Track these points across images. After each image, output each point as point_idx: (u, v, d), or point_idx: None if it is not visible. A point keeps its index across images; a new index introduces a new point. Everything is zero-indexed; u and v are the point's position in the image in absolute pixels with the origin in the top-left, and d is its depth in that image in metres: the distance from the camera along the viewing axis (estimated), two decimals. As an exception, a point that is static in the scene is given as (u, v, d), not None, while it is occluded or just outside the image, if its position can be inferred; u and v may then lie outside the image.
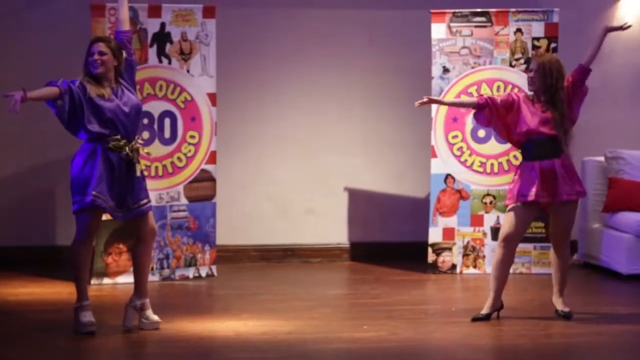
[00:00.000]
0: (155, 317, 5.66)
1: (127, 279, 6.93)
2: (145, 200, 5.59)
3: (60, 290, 6.72)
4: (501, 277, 5.92)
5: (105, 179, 5.45)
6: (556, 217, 5.97)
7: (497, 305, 5.97)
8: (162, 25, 7.16)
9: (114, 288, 6.86)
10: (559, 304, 6.04)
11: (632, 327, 5.89)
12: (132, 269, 5.76)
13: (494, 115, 5.93)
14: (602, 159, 7.87)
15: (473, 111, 6.14)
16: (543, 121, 5.87)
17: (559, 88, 5.90)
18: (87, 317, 5.55)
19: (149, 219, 5.63)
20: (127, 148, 5.49)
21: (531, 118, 5.87)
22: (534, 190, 5.82)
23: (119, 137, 5.48)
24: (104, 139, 5.46)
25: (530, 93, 6.00)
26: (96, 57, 5.48)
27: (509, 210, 5.93)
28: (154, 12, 7.15)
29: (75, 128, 5.49)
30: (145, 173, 6.82)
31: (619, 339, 5.65)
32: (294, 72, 8.03)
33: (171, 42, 7.19)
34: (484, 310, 5.93)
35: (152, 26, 7.12)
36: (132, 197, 5.54)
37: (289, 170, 8.04)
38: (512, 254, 5.98)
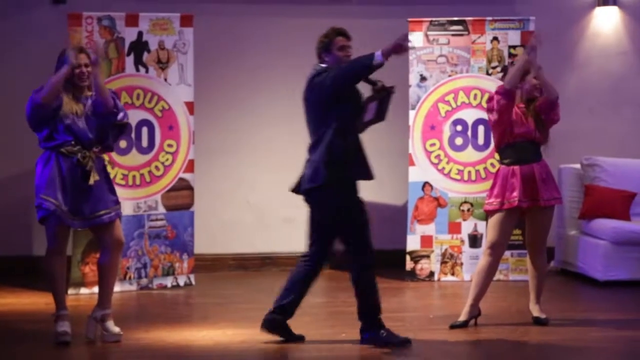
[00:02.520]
0: (117, 329, 5.59)
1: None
2: (104, 212, 5.50)
3: (37, 301, 6.68)
4: (483, 285, 5.94)
5: (56, 183, 5.41)
6: (533, 223, 6.00)
7: (475, 312, 5.99)
8: (140, 34, 7.15)
9: (91, 298, 6.79)
10: (535, 311, 6.06)
11: (608, 333, 5.93)
12: (100, 279, 5.70)
13: (511, 107, 5.92)
14: (578, 166, 7.92)
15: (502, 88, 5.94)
16: (526, 126, 5.91)
17: (537, 95, 5.95)
18: (63, 327, 5.52)
19: (113, 229, 5.55)
20: (79, 154, 5.45)
21: (515, 121, 5.91)
22: (516, 196, 5.85)
23: (73, 142, 5.46)
24: (60, 144, 5.44)
25: None
26: (84, 69, 5.46)
27: (493, 218, 5.95)
28: (132, 20, 7.14)
29: (40, 128, 5.48)
30: (122, 182, 6.85)
31: (595, 345, 5.68)
32: (272, 81, 8.03)
33: (149, 51, 7.18)
34: (462, 317, 5.95)
35: (129, 35, 7.11)
36: (89, 207, 5.48)
37: (267, 178, 8.03)
38: (498, 261, 6.01)
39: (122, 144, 7.00)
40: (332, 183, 5.48)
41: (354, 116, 5.51)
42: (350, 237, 5.56)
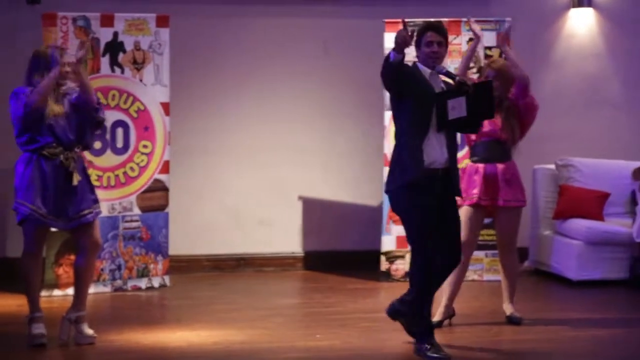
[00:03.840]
0: (90, 332, 5.58)
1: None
2: (87, 211, 5.52)
3: (10, 303, 6.63)
4: (455, 284, 5.96)
5: (38, 187, 5.41)
6: (498, 223, 6.06)
7: (449, 312, 6.01)
8: (115, 34, 7.13)
9: (64, 300, 6.77)
10: (508, 310, 6.10)
11: (581, 333, 5.96)
12: (75, 280, 5.69)
13: None
14: (552, 166, 7.97)
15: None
16: (493, 124, 5.93)
17: (510, 94, 5.98)
18: (38, 329, 5.50)
19: (93, 230, 5.55)
20: (61, 156, 5.45)
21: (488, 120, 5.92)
22: (476, 193, 5.91)
23: (54, 144, 5.45)
24: (41, 146, 5.44)
25: None
26: (67, 70, 5.48)
27: (461, 217, 5.98)
28: (107, 21, 7.11)
29: (28, 131, 5.47)
30: (97, 183, 6.83)
31: (569, 345, 5.71)
32: (248, 82, 8.03)
33: (124, 52, 7.16)
34: (436, 318, 5.96)
35: (104, 35, 7.08)
36: (73, 207, 5.48)
37: (242, 179, 8.03)
38: (468, 260, 6.03)
39: (97, 144, 6.97)
40: (390, 189, 5.32)
41: (419, 117, 5.16)
42: (410, 240, 5.34)
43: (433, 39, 5.24)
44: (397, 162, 5.22)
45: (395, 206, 5.35)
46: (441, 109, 5.13)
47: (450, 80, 5.25)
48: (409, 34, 5.00)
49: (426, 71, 5.25)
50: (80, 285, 5.60)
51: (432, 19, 7.56)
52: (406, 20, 6.93)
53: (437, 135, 5.17)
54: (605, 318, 6.40)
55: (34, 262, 5.52)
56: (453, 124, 5.18)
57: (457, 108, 5.12)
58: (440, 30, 5.27)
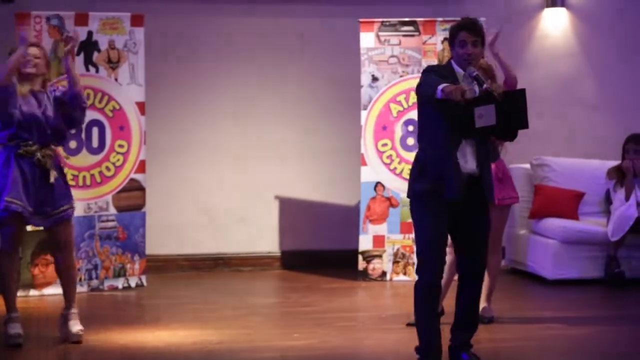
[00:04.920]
0: (75, 329, 5.55)
1: (55, 290, 6.84)
2: (65, 207, 5.52)
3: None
4: (445, 284, 5.92)
5: (20, 184, 5.40)
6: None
7: (438, 312, 5.99)
8: (90, 33, 7.10)
9: (40, 300, 6.74)
10: (480, 309, 6.10)
11: (557, 331, 5.99)
12: (59, 280, 5.69)
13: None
14: (528, 166, 8.01)
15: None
16: None
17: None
18: (14, 329, 5.47)
19: (70, 226, 5.56)
20: (38, 153, 5.44)
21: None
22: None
23: (30, 142, 5.44)
24: (17, 143, 5.43)
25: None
26: (30, 57, 5.52)
27: None
28: (81, 20, 7.07)
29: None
30: (73, 183, 6.79)
31: (545, 343, 5.74)
32: (224, 81, 8.01)
33: (99, 51, 7.13)
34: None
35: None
36: (51, 204, 5.48)
37: (219, 179, 8.01)
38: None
39: (72, 144, 6.94)
40: (408, 196, 5.01)
41: (443, 123, 4.83)
42: (416, 252, 5.02)
43: (466, 38, 4.86)
44: (418, 168, 4.91)
45: (411, 214, 5.01)
46: (468, 115, 4.77)
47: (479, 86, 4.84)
48: (462, 99, 4.63)
49: (460, 73, 4.89)
50: (64, 283, 5.60)
51: (406, 19, 7.64)
52: (382, 20, 6.83)
53: (465, 142, 4.84)
54: (580, 316, 6.43)
55: (9, 260, 5.50)
56: (482, 131, 4.82)
57: (485, 116, 4.77)
58: (474, 29, 4.88)
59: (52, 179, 5.46)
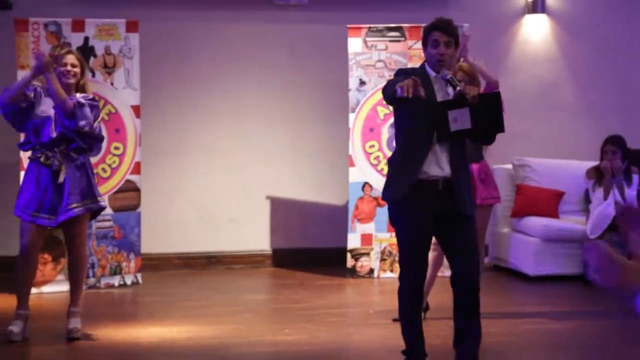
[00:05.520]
0: (72, 326, 5.50)
1: (53, 288, 6.80)
2: (73, 205, 5.44)
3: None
4: (429, 279, 5.88)
5: (34, 193, 5.40)
6: None
7: (423, 307, 5.95)
8: (86, 39, 7.03)
9: (39, 297, 6.67)
10: None
11: (539, 326, 5.98)
12: (58, 277, 5.66)
13: None
14: (510, 166, 7.99)
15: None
16: None
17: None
18: (14, 325, 5.43)
19: (76, 225, 5.49)
20: (42, 157, 5.40)
21: None
22: None
23: (37, 145, 5.41)
24: (37, 152, 5.42)
25: None
26: (69, 68, 5.44)
27: None
28: (78, 26, 7.01)
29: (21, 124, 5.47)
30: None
31: (527, 337, 5.73)
32: (216, 85, 7.97)
33: (95, 56, 7.06)
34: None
35: (75, 40, 6.97)
36: (62, 202, 5.41)
37: (212, 180, 7.96)
38: (442, 255, 5.97)
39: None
40: (386, 202, 4.81)
41: (416, 127, 4.56)
42: (399, 259, 4.81)
43: (439, 38, 4.55)
44: (390, 174, 4.70)
45: (390, 219, 4.84)
46: (441, 119, 4.52)
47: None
48: (413, 93, 4.30)
49: (433, 76, 4.60)
50: (70, 280, 5.61)
51: (393, 25, 7.60)
52: (369, 26, 6.74)
53: (438, 146, 4.54)
54: (561, 311, 6.43)
55: (24, 262, 5.46)
56: (457, 135, 4.56)
57: (460, 120, 4.51)
58: (447, 29, 4.56)
59: (61, 179, 5.39)
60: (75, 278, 5.58)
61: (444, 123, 4.51)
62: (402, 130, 4.63)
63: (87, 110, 5.42)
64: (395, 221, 4.71)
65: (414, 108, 4.48)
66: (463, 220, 4.61)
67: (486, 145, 5.17)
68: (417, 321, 4.76)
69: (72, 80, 5.45)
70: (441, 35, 4.56)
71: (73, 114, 5.37)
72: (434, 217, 4.58)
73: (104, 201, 5.76)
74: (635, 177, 7.45)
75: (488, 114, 4.56)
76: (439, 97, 4.57)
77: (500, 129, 4.62)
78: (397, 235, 4.70)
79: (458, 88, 4.48)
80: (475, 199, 5.90)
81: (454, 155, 4.57)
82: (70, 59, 5.47)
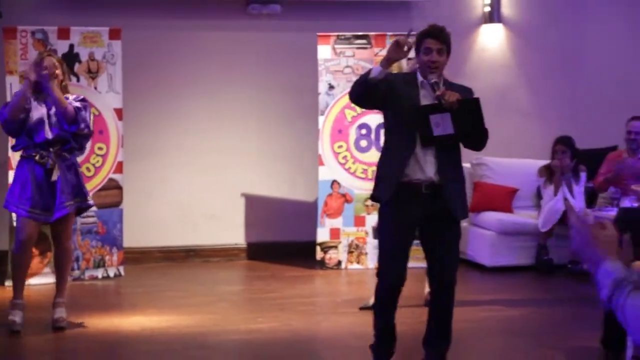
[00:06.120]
0: (57, 316, 5.53)
1: (40, 280, 6.83)
2: (66, 203, 5.46)
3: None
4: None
5: (29, 188, 5.40)
6: None
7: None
8: (71, 46, 7.08)
9: (27, 289, 6.63)
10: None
11: (495, 313, 6.08)
12: (45, 270, 5.69)
13: None
14: (468, 165, 8.10)
15: None
16: None
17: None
18: (15, 316, 5.48)
19: (64, 221, 5.52)
20: (37, 156, 5.41)
21: None
22: None
23: (31, 145, 5.41)
24: (31, 151, 5.42)
25: None
26: (52, 70, 5.42)
27: None
28: (63, 34, 7.05)
29: (18, 133, 5.47)
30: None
31: (484, 324, 5.82)
32: (195, 89, 8.02)
33: (80, 62, 7.11)
34: (372, 300, 5.99)
35: (61, 47, 7.01)
36: (56, 200, 5.43)
37: (190, 178, 8.01)
38: None
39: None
40: (372, 199, 4.67)
41: (400, 131, 4.41)
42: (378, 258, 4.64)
43: (432, 45, 4.39)
44: (376, 175, 4.54)
45: (378, 218, 4.64)
46: (424, 123, 4.33)
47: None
48: (408, 47, 4.22)
49: (420, 80, 4.46)
50: (56, 272, 5.65)
51: (360, 33, 7.70)
52: (338, 34, 6.70)
53: (423, 150, 4.37)
54: (515, 299, 6.52)
55: (20, 254, 5.48)
56: (442, 140, 4.37)
57: (442, 124, 4.31)
58: (440, 37, 4.40)
59: (54, 177, 5.40)
60: (60, 270, 5.62)
61: (426, 127, 4.33)
62: (387, 132, 4.50)
63: (85, 113, 5.50)
64: (380, 220, 4.54)
65: (396, 109, 4.36)
66: (450, 223, 4.46)
67: (475, 151, 4.87)
68: (390, 319, 4.62)
69: (55, 81, 5.46)
70: (434, 42, 4.40)
71: (75, 119, 5.42)
72: (421, 218, 4.42)
73: (92, 200, 5.79)
74: (582, 175, 7.61)
75: (469, 119, 4.37)
76: (425, 102, 4.40)
77: (482, 134, 4.45)
78: (381, 235, 4.53)
79: (437, 92, 4.33)
80: None
81: (440, 160, 4.38)
82: (50, 60, 5.47)
